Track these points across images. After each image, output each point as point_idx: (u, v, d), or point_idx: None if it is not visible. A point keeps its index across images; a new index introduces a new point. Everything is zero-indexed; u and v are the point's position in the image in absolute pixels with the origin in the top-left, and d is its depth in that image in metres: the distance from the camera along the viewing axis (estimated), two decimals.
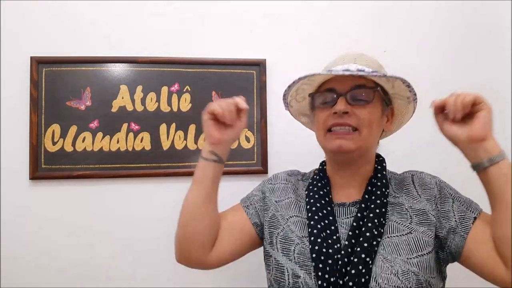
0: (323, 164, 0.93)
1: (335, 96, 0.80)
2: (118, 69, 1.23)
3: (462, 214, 0.78)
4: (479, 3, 1.37)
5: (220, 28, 1.28)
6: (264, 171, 1.26)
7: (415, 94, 0.82)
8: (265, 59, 1.28)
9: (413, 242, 0.76)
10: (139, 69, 1.24)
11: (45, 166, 1.19)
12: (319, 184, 0.87)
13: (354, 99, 0.80)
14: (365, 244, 0.75)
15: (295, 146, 1.26)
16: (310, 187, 0.88)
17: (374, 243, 0.75)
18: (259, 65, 1.27)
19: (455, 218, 0.78)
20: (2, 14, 1.19)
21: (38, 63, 1.19)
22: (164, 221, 1.23)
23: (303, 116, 0.97)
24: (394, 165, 0.94)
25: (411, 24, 1.35)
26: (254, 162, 1.27)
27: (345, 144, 0.79)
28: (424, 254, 0.76)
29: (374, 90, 0.81)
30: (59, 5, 1.22)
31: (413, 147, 1.29)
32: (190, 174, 1.23)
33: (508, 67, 1.36)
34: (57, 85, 1.20)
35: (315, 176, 0.91)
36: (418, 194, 0.83)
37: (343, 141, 0.79)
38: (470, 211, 0.79)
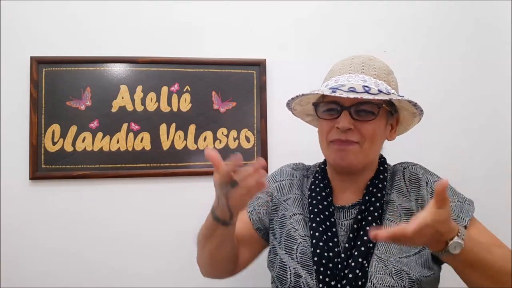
0: (325, 163, 0.92)
1: (339, 109, 0.78)
2: (118, 69, 1.23)
3: None
4: (480, 3, 1.37)
5: (220, 28, 1.28)
6: (264, 171, 1.25)
7: (421, 110, 0.80)
8: (265, 59, 1.28)
9: None
10: (139, 69, 1.24)
11: (45, 166, 1.19)
12: (321, 185, 0.87)
13: (359, 113, 0.78)
14: (363, 248, 0.75)
15: (295, 146, 1.26)
16: (312, 186, 0.88)
17: (371, 245, 0.76)
18: (259, 65, 1.27)
19: None
20: (2, 14, 1.19)
21: (38, 63, 1.19)
22: (164, 220, 1.24)
23: (307, 116, 0.96)
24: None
25: (411, 24, 1.35)
26: (254, 162, 1.26)
27: (346, 158, 0.79)
28: (411, 255, 0.76)
29: (379, 106, 0.78)
30: (59, 5, 1.22)
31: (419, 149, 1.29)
32: (190, 174, 1.25)
33: (508, 67, 1.36)
34: (57, 85, 1.20)
35: (317, 175, 0.90)
36: (407, 190, 0.83)
37: (344, 154, 0.79)
38: (461, 218, 0.77)
